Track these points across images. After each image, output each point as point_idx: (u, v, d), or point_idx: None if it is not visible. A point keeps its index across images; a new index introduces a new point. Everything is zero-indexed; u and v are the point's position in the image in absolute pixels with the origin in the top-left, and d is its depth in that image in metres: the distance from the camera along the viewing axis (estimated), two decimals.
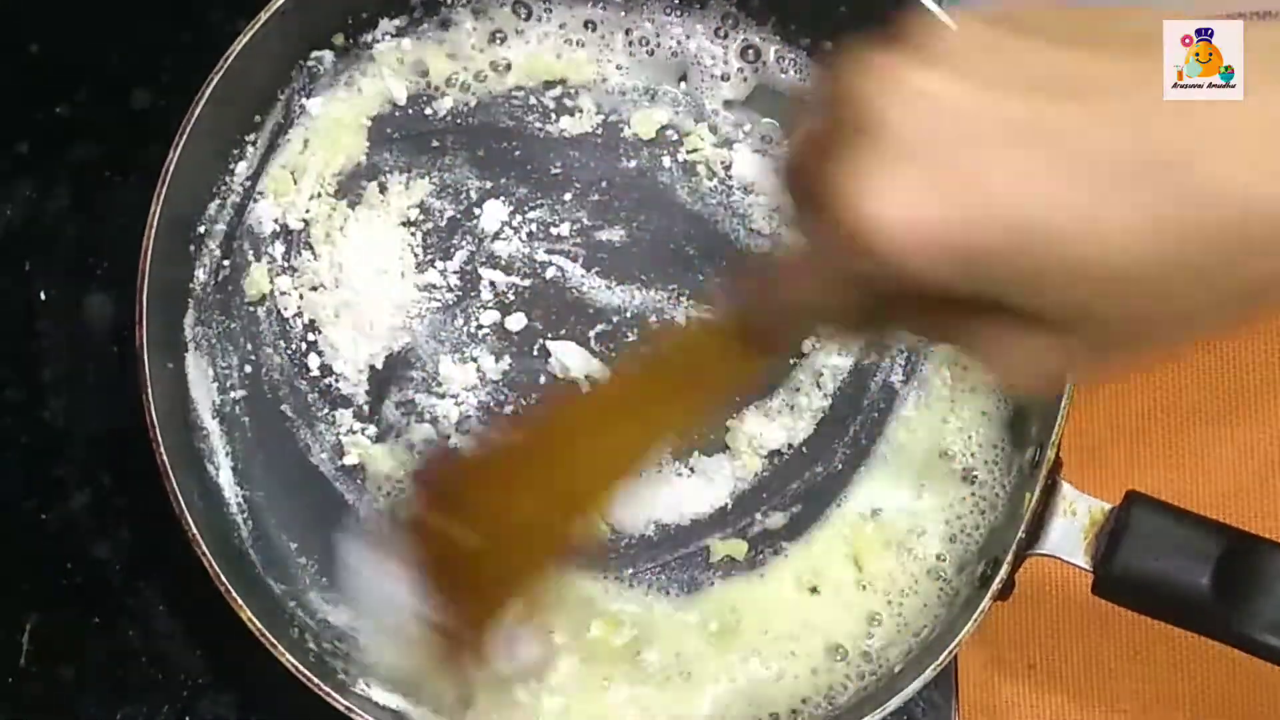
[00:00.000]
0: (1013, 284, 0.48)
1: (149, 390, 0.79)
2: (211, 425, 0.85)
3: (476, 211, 0.88)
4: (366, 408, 0.86)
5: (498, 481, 0.68)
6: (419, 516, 0.71)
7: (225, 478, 0.85)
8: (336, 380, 0.86)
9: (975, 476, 0.84)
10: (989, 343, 0.51)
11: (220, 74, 0.81)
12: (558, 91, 0.89)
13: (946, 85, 0.48)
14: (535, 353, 0.86)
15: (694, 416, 0.66)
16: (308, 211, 0.87)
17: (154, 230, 0.80)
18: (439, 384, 0.86)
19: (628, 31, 0.89)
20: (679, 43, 0.89)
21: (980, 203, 0.47)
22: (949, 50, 0.49)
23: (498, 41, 0.89)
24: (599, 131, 0.89)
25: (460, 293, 0.87)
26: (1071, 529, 0.77)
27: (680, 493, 0.85)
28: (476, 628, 0.71)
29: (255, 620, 0.77)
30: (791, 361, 0.86)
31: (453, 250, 0.87)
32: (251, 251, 0.87)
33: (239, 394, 0.86)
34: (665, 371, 0.65)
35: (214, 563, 0.77)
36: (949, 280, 0.48)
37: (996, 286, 0.48)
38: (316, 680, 0.77)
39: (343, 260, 0.86)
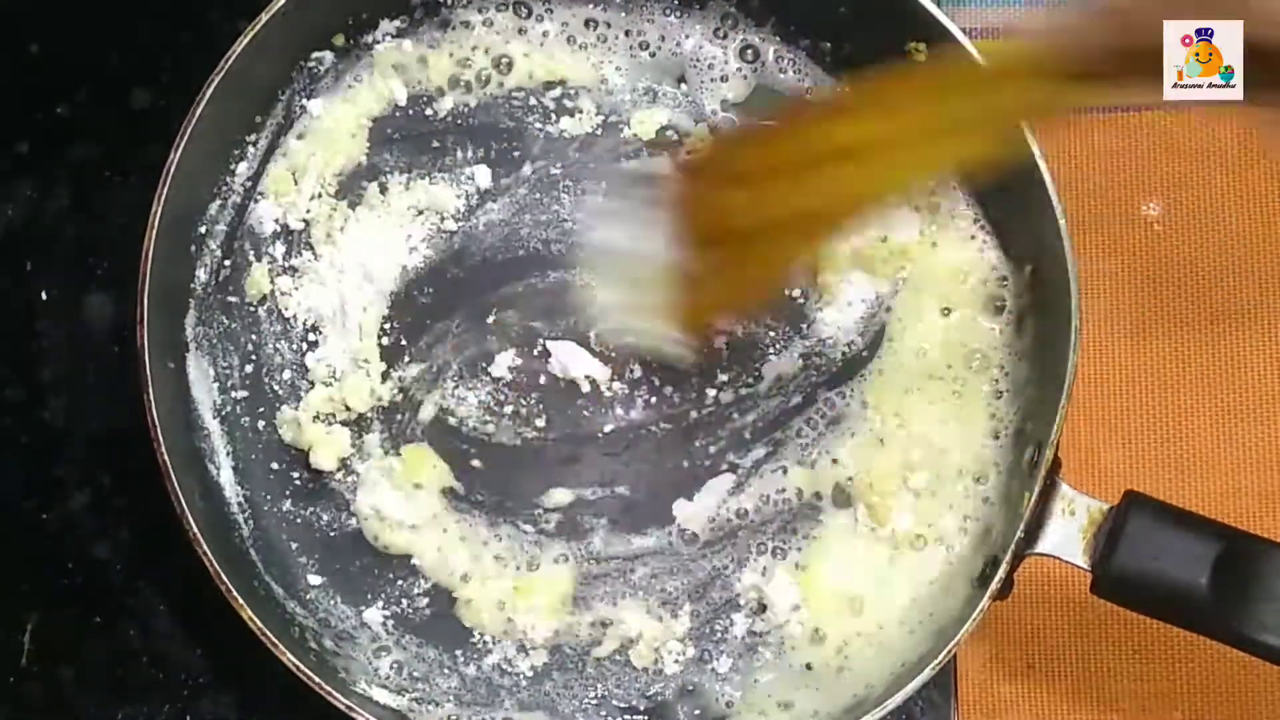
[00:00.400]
0: None
1: (150, 390, 0.79)
2: (212, 425, 0.85)
3: (477, 212, 0.88)
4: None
5: (784, 164, 0.70)
6: (696, 170, 0.76)
7: (226, 477, 0.85)
8: (337, 380, 0.86)
9: (979, 476, 0.84)
10: None
11: (220, 74, 0.81)
12: (558, 92, 0.89)
13: None
14: (535, 353, 0.87)
15: (979, 146, 0.67)
16: (308, 212, 0.87)
17: (155, 230, 0.80)
18: (439, 384, 0.86)
19: (628, 32, 0.89)
20: (679, 43, 0.89)
21: None
22: None
23: (498, 42, 0.89)
24: (599, 131, 0.89)
25: (460, 293, 0.87)
26: (1070, 529, 0.77)
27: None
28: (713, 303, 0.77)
29: (255, 620, 0.77)
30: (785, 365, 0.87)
31: (453, 250, 0.87)
32: (252, 251, 0.87)
33: (240, 394, 0.86)
34: (967, 89, 0.66)
35: (214, 563, 0.77)
36: None
37: None
38: (317, 680, 0.77)
39: (343, 260, 0.87)
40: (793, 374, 0.86)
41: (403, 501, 0.85)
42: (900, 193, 0.77)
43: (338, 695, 0.77)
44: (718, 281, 0.75)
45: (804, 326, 0.87)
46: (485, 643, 0.84)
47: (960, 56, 0.69)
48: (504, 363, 0.86)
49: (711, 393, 0.86)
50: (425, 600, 0.84)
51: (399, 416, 0.86)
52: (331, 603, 0.84)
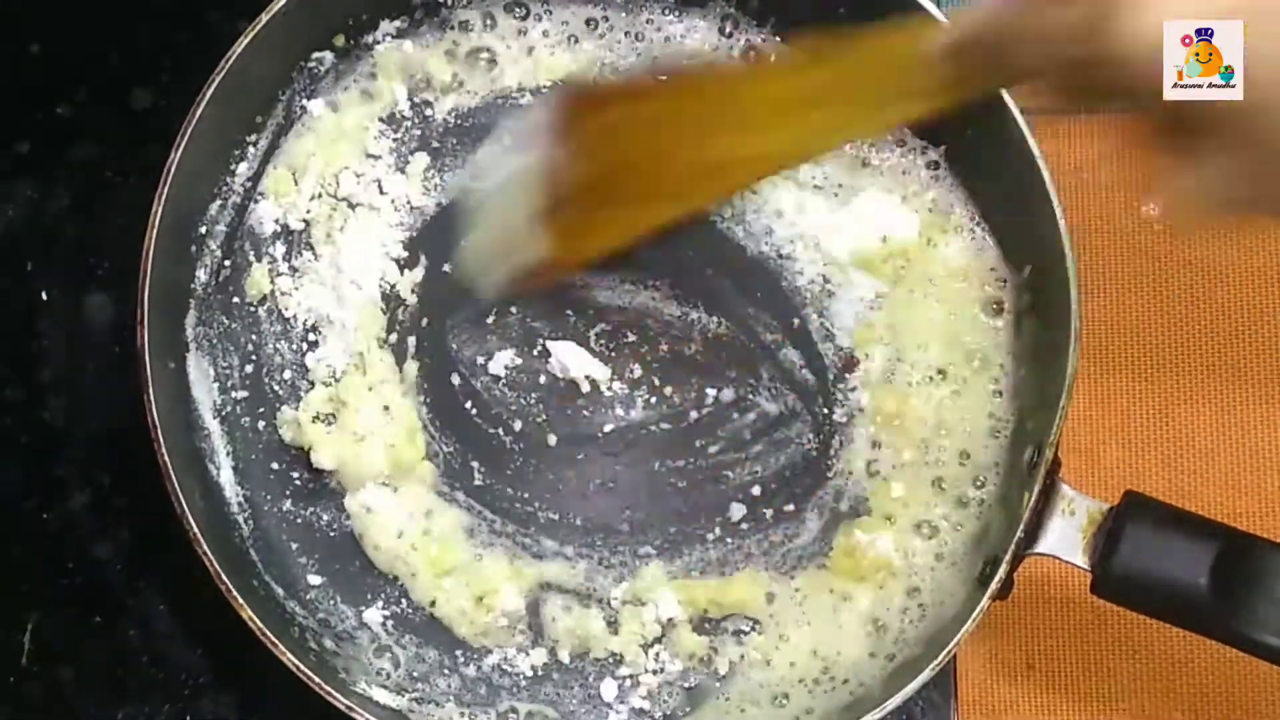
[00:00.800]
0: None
1: (150, 390, 0.79)
2: (212, 425, 0.85)
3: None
4: None
5: (657, 116, 0.70)
6: (579, 114, 0.73)
7: (226, 477, 0.85)
8: (337, 380, 0.86)
9: (979, 476, 0.84)
10: (1174, 157, 0.54)
11: (221, 74, 0.81)
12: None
13: None
14: (535, 353, 0.87)
15: (857, 130, 0.67)
16: (308, 212, 0.87)
17: (155, 230, 0.80)
18: (439, 384, 0.86)
19: (628, 32, 0.89)
20: (680, 44, 0.89)
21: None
22: None
23: (498, 42, 0.89)
24: None
25: (460, 293, 0.87)
26: (1070, 529, 0.77)
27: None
28: (570, 239, 0.74)
29: (255, 620, 0.77)
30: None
31: (452, 251, 0.87)
32: (252, 252, 0.87)
33: (240, 394, 0.86)
34: (861, 66, 0.64)
35: (214, 562, 0.77)
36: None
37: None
38: (317, 680, 0.77)
39: (343, 260, 0.87)
40: (792, 373, 0.87)
41: (399, 502, 0.85)
42: (808, 158, 0.75)
43: (338, 695, 0.77)
44: (597, 214, 0.74)
45: (803, 326, 0.87)
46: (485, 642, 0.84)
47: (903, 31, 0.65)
48: (503, 362, 0.86)
49: (711, 393, 0.86)
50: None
51: None
52: (331, 603, 0.84)
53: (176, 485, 0.78)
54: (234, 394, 0.86)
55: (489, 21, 0.89)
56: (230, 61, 0.81)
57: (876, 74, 0.64)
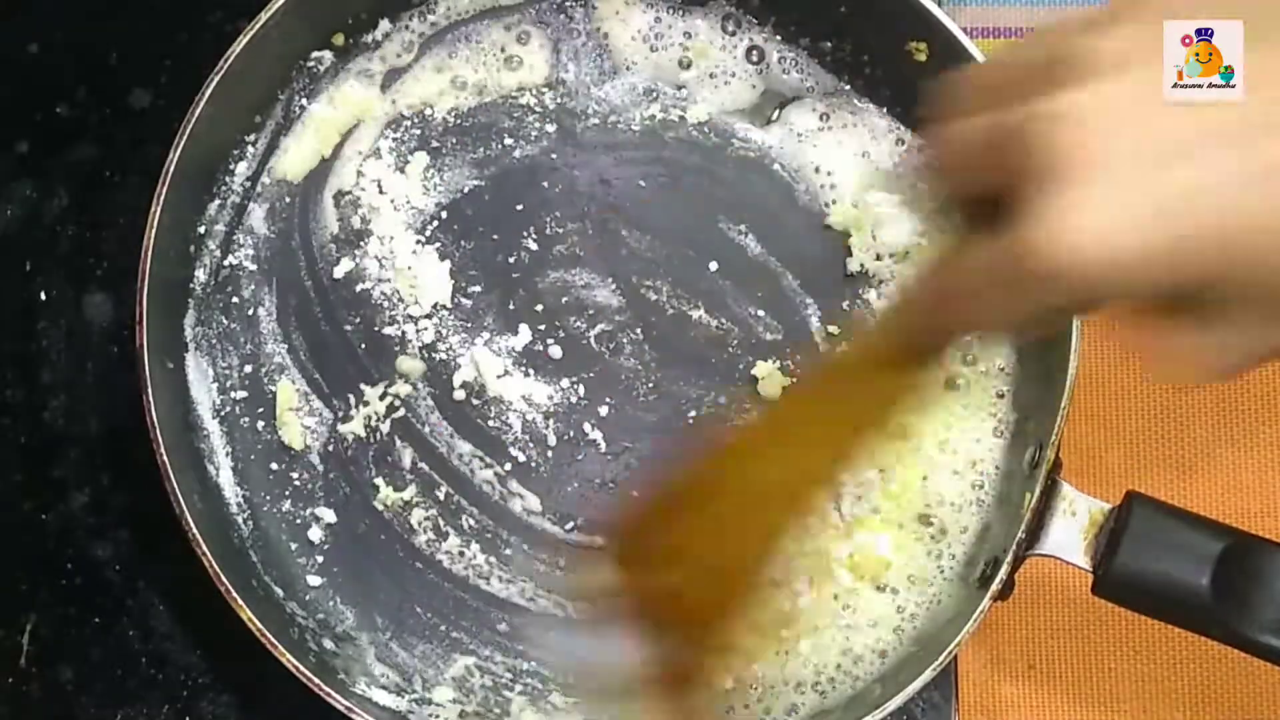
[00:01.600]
0: (1222, 280, 0.48)
1: (149, 390, 0.79)
2: (212, 425, 0.85)
3: (477, 212, 0.88)
4: None
5: (686, 520, 0.67)
6: (617, 577, 0.70)
7: (225, 478, 0.85)
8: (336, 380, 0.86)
9: (979, 476, 0.84)
10: (1161, 336, 0.51)
11: (220, 74, 0.81)
12: (558, 92, 0.89)
13: (1124, 98, 0.48)
14: (536, 353, 0.86)
15: (868, 432, 0.64)
16: None
17: (154, 230, 0.80)
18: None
19: (629, 33, 0.89)
20: (681, 44, 0.89)
21: (1185, 214, 0.47)
22: (1118, 59, 0.49)
23: (498, 40, 0.89)
24: (600, 131, 0.89)
25: (461, 294, 0.87)
26: (1071, 529, 0.77)
27: None
28: (699, 656, 0.70)
29: (255, 620, 0.77)
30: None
31: (453, 251, 0.87)
32: (252, 252, 0.87)
33: (239, 394, 0.86)
34: (830, 393, 0.64)
35: (214, 563, 0.77)
36: (1149, 289, 0.48)
37: (1203, 284, 0.48)
38: (317, 680, 0.77)
39: None
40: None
41: None
42: (831, 482, 0.72)
43: (337, 696, 0.77)
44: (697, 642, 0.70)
45: (804, 327, 0.87)
46: None
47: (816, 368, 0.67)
48: (503, 362, 0.86)
49: (712, 393, 0.86)
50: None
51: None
52: (331, 604, 0.84)
53: (175, 486, 0.78)
54: (233, 394, 0.86)
55: (489, 20, 0.89)
56: (230, 61, 0.81)
57: (857, 386, 0.62)
